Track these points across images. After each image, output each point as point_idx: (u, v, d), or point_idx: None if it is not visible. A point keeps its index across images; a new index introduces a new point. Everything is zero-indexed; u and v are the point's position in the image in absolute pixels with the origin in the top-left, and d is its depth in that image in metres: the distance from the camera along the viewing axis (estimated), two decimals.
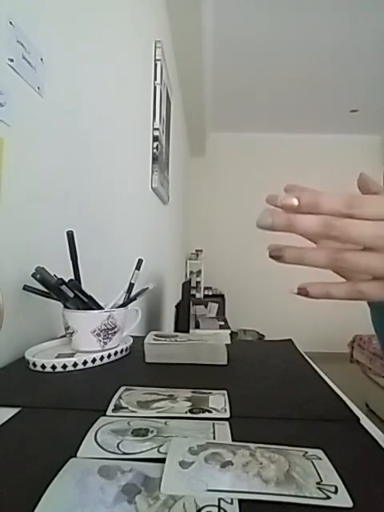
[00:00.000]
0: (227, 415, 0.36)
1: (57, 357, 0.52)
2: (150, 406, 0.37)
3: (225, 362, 0.54)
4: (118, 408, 0.37)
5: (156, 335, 0.60)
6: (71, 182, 0.78)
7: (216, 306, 3.67)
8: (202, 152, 4.37)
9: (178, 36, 2.20)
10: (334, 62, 2.90)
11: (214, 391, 0.42)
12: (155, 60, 1.71)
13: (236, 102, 3.63)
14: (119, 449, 0.28)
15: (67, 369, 0.49)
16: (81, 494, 0.23)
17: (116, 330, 0.57)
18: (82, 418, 0.34)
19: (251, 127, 4.28)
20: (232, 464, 0.26)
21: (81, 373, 0.49)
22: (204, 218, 4.48)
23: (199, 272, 4.11)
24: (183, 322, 2.04)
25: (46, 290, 0.55)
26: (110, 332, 0.56)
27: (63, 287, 0.53)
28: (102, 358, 0.53)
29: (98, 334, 0.55)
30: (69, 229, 0.56)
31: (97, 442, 0.29)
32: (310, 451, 0.29)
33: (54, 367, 0.48)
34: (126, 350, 0.59)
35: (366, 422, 0.36)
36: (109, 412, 0.36)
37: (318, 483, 0.25)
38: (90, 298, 0.57)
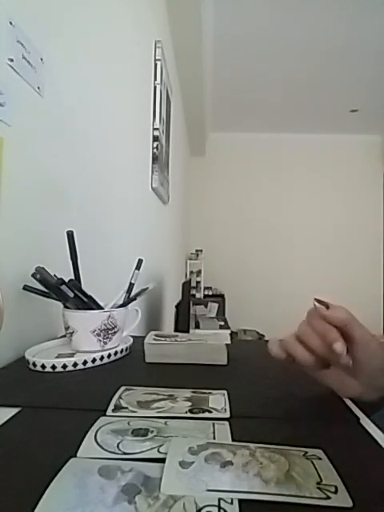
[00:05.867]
0: (227, 415, 0.36)
1: (57, 357, 0.52)
2: (150, 406, 0.37)
3: (225, 362, 0.54)
4: (118, 408, 0.37)
5: (156, 335, 0.60)
6: (71, 181, 0.78)
7: (216, 305, 3.67)
8: (202, 152, 4.37)
9: (177, 36, 2.20)
10: (334, 62, 2.90)
11: (213, 391, 0.42)
12: (155, 60, 1.71)
13: (236, 102, 3.63)
14: (119, 449, 0.28)
15: (67, 369, 0.49)
16: (81, 494, 0.23)
17: (116, 330, 0.57)
18: (82, 417, 0.34)
19: (251, 127, 4.28)
20: (232, 464, 0.26)
21: (81, 373, 0.49)
22: (204, 217, 4.48)
23: (199, 272, 4.11)
24: (183, 322, 2.04)
25: (46, 289, 0.55)
26: (109, 332, 0.56)
27: (63, 287, 0.53)
28: (102, 358, 0.53)
29: (98, 334, 0.55)
30: (69, 229, 0.56)
31: (97, 442, 0.29)
32: (310, 451, 0.29)
33: (53, 367, 0.48)
34: (126, 349, 0.59)
35: (366, 421, 0.36)
36: (109, 412, 0.36)
37: (318, 483, 0.25)
38: (89, 297, 0.57)
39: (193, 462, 0.26)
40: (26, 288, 0.54)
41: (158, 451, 0.28)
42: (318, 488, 0.24)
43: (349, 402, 0.41)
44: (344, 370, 0.40)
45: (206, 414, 0.36)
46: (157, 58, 1.71)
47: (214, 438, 0.31)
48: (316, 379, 0.41)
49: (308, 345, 0.36)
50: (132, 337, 0.63)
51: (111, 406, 0.37)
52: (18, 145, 0.57)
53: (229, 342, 0.58)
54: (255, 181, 4.46)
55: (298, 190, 4.45)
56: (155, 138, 1.72)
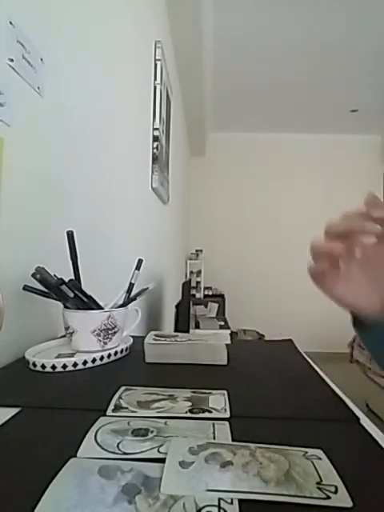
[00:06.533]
0: (227, 415, 0.36)
1: (57, 357, 0.52)
2: (149, 405, 0.37)
3: (225, 362, 0.54)
4: (118, 408, 0.37)
5: (156, 335, 0.60)
6: (71, 181, 0.78)
7: (216, 305, 3.66)
8: (202, 152, 4.37)
9: (177, 36, 2.20)
10: (334, 62, 2.90)
11: (214, 391, 0.42)
12: (155, 60, 1.71)
13: (236, 102, 3.63)
14: (119, 449, 0.28)
15: (67, 369, 0.49)
16: (81, 494, 0.23)
17: (116, 330, 0.57)
18: (82, 417, 0.34)
19: (251, 127, 4.28)
20: (232, 464, 0.26)
21: (81, 373, 0.49)
22: (204, 217, 4.48)
23: (199, 272, 4.11)
24: (183, 322, 2.04)
25: (46, 289, 0.55)
26: (110, 332, 0.56)
27: (63, 287, 0.53)
28: (102, 358, 0.53)
29: (98, 334, 0.55)
30: (69, 229, 0.56)
31: (97, 442, 0.29)
32: (310, 451, 0.29)
33: (53, 367, 0.48)
34: (126, 349, 0.59)
35: (366, 422, 0.36)
36: (109, 412, 0.36)
37: (318, 483, 0.25)
38: (89, 297, 0.57)
39: (193, 462, 0.26)
40: (26, 288, 0.54)
41: (158, 451, 0.28)
42: (318, 488, 0.24)
43: (349, 402, 0.41)
44: (367, 284, 0.36)
45: (206, 414, 0.36)
46: (157, 58, 1.71)
47: (214, 438, 0.31)
48: (335, 295, 0.37)
49: (338, 230, 0.33)
50: (132, 337, 0.63)
51: (111, 406, 0.37)
52: (18, 145, 0.57)
53: (229, 342, 0.58)
54: (255, 181, 4.46)
55: (298, 190, 4.45)
56: (155, 138, 1.72)
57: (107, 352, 0.54)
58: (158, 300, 1.95)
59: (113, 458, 0.27)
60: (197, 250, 4.26)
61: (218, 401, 0.39)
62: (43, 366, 0.48)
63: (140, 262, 0.68)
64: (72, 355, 0.53)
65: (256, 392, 0.43)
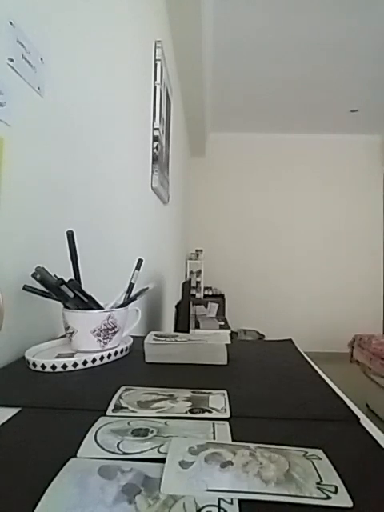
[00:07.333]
0: (227, 415, 0.36)
1: (57, 357, 0.52)
2: (149, 406, 0.37)
3: (225, 362, 0.54)
4: (118, 408, 0.37)
5: (156, 335, 0.60)
6: (71, 181, 0.78)
7: (216, 305, 3.66)
8: (202, 152, 4.37)
9: (177, 36, 2.20)
10: (334, 62, 2.90)
11: (214, 391, 0.42)
12: (155, 60, 1.71)
13: (236, 102, 3.63)
14: (119, 449, 0.28)
15: (67, 369, 0.49)
16: (81, 494, 0.23)
17: (116, 330, 0.57)
18: (82, 417, 0.34)
19: (251, 127, 4.28)
20: (232, 464, 0.26)
21: (81, 373, 0.49)
22: (204, 217, 4.48)
23: (199, 272, 4.11)
24: (183, 322, 2.04)
25: (46, 290, 0.55)
26: (110, 332, 0.56)
27: (63, 287, 0.53)
28: (102, 358, 0.53)
29: (98, 334, 0.55)
30: (69, 229, 0.56)
31: (97, 442, 0.29)
32: (310, 451, 0.29)
33: (53, 367, 0.48)
34: (126, 349, 0.59)
35: (366, 421, 0.36)
36: (109, 412, 0.36)
37: (318, 483, 0.25)
38: (90, 297, 0.57)
39: (193, 462, 0.26)
40: (25, 288, 0.54)
41: (158, 451, 0.28)
42: (318, 488, 0.24)
43: (349, 402, 0.41)
44: None
45: (206, 414, 0.36)
46: (157, 58, 1.71)
47: (214, 438, 0.31)
48: None
49: None
50: (132, 337, 0.63)
51: (111, 406, 0.37)
52: (18, 145, 0.57)
53: (229, 342, 0.58)
54: (255, 181, 4.46)
55: (298, 190, 4.45)
56: (155, 138, 1.72)
57: (107, 352, 0.54)
58: (158, 300, 1.95)
59: (113, 458, 0.27)
60: (197, 250, 4.26)
61: (218, 401, 0.39)
62: (43, 366, 0.48)
63: (140, 262, 0.68)
64: (72, 355, 0.53)
65: (256, 392, 0.43)
